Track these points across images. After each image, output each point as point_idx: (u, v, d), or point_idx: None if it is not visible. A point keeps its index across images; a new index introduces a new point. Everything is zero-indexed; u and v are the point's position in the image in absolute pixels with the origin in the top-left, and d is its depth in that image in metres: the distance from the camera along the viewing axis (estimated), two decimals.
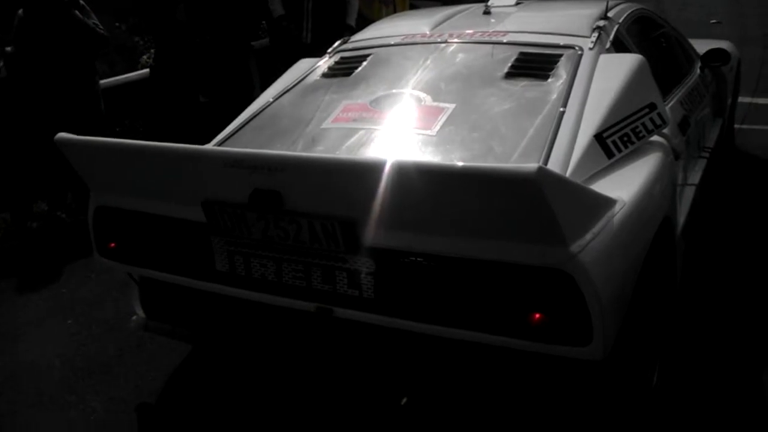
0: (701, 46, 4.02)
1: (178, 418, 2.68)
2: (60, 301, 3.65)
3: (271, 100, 3.02)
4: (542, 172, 1.63)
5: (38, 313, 3.55)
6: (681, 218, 2.73)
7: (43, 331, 3.37)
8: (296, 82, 3.10)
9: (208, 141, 2.92)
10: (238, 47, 5.18)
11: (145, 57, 7.36)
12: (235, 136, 2.84)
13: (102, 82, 4.89)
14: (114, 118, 5.09)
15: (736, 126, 5.23)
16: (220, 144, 2.81)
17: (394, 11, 6.29)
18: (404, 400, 2.29)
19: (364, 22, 5.34)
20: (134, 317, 2.70)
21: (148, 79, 5.37)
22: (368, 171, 1.89)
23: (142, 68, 6.51)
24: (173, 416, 2.70)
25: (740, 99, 5.34)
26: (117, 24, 7.97)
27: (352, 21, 5.49)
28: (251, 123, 2.89)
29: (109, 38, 4.74)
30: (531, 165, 1.63)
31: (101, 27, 4.52)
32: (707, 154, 3.42)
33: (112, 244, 2.49)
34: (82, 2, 4.45)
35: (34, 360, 3.11)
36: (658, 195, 2.36)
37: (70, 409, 2.75)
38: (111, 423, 2.66)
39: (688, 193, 2.95)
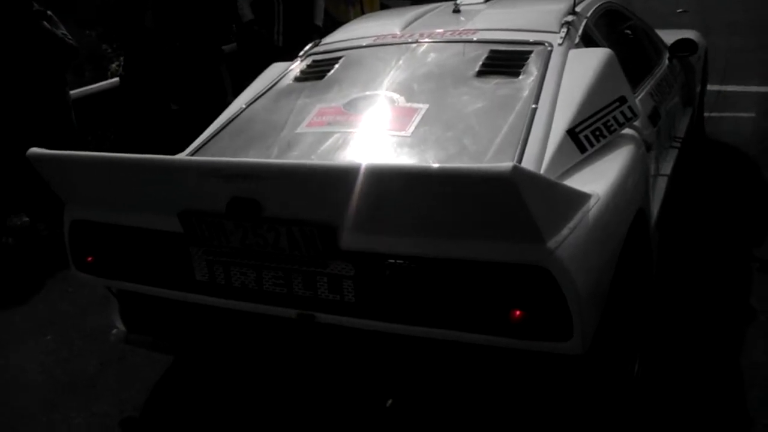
0: (669, 36, 4.07)
1: (164, 431, 2.66)
2: (39, 316, 3.61)
3: (244, 106, 3.00)
4: (517, 171, 1.64)
5: (17, 329, 3.50)
6: (655, 209, 2.77)
7: (22, 347, 3.33)
8: (269, 87, 3.10)
9: (182, 149, 2.91)
10: (208, 53, 5.15)
11: (114, 65, 7.30)
12: (210, 143, 2.82)
13: (72, 92, 4.84)
14: (86, 129, 5.03)
15: (706, 114, 5.30)
16: (194, 152, 2.80)
17: (362, 12, 6.27)
18: (389, 401, 2.29)
19: (333, 24, 5.37)
20: (114, 330, 2.67)
21: (118, 88, 5.33)
22: (345, 176, 1.89)
23: (111, 76, 6.45)
24: (158, 430, 2.68)
25: (709, 87, 5.42)
26: (87, 32, 7.89)
27: (319, 21, 5.53)
28: (225, 130, 2.88)
29: (79, 48, 4.69)
30: (506, 164, 1.64)
31: (70, 37, 4.47)
32: (678, 144, 3.47)
33: (90, 258, 2.47)
34: (49, 13, 4.40)
35: (15, 377, 3.08)
36: (632, 188, 2.39)
37: (53, 426, 2.72)
38: None
39: (661, 184, 2.99)
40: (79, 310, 3.58)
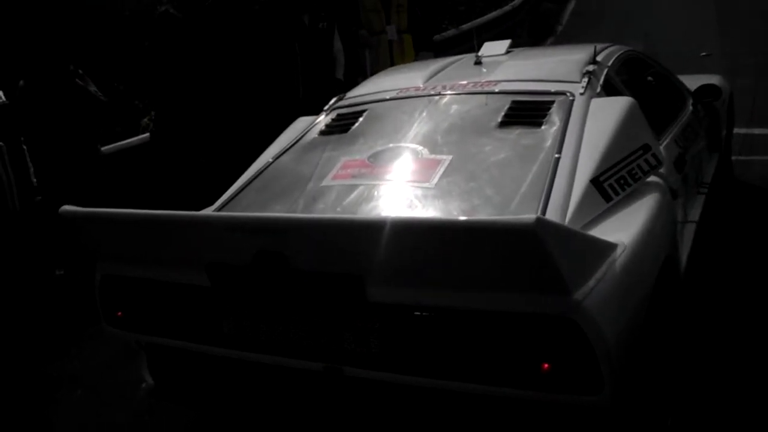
0: (693, 81, 4.07)
1: None
2: (70, 370, 3.64)
3: (271, 160, 3.06)
4: (540, 223, 1.65)
5: (49, 382, 3.53)
6: (683, 257, 2.74)
7: (53, 401, 3.35)
8: (295, 141, 3.15)
9: (211, 202, 2.95)
10: (241, 107, 5.24)
11: (145, 120, 7.44)
12: (237, 198, 2.87)
13: (104, 148, 4.96)
14: (118, 184, 5.14)
15: (734, 158, 5.26)
16: (222, 207, 2.84)
17: (391, 57, 6.28)
18: None
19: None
20: (143, 384, 2.69)
21: (148, 143, 5.44)
22: (370, 229, 1.92)
23: (142, 131, 6.58)
24: None
25: (736, 130, 5.38)
26: (115, 84, 8.08)
27: (340, 75, 5.63)
28: (252, 184, 2.93)
29: (110, 103, 4.80)
30: (529, 216, 1.65)
31: (101, 94, 4.60)
32: (705, 190, 3.45)
33: (119, 313, 2.51)
34: (81, 71, 4.54)
35: None
36: (658, 235, 2.37)
37: None
38: None
39: (689, 231, 2.96)
40: (109, 363, 3.60)
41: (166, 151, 5.12)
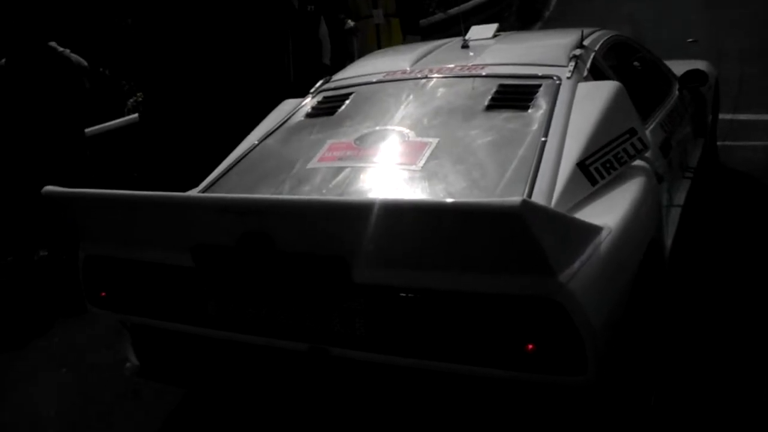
0: (679, 66, 4.08)
1: None
2: (53, 349, 3.63)
3: (257, 142, 3.04)
4: (526, 205, 1.65)
5: (32, 362, 3.53)
6: (668, 240, 2.76)
7: (37, 381, 3.35)
8: (281, 123, 3.13)
9: (197, 184, 2.94)
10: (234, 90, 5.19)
11: (131, 101, 7.38)
12: (222, 179, 2.85)
13: (88, 130, 4.91)
14: (104, 165, 5.09)
15: (719, 143, 5.29)
16: (207, 188, 2.83)
17: (378, 45, 6.27)
18: None
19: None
20: (128, 364, 2.68)
21: (137, 124, 5.40)
22: (357, 211, 1.92)
23: (129, 112, 6.52)
24: None
25: (721, 116, 5.41)
26: (101, 69, 8.00)
27: (327, 60, 5.60)
28: (238, 166, 2.91)
29: (87, 68, 4.71)
30: (514, 198, 1.66)
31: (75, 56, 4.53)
32: (691, 175, 3.47)
33: (103, 293, 2.49)
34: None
35: (30, 412, 3.08)
36: (644, 219, 2.39)
37: None
38: None
39: (674, 215, 2.98)
40: (93, 342, 3.59)
41: (157, 132, 5.07)
